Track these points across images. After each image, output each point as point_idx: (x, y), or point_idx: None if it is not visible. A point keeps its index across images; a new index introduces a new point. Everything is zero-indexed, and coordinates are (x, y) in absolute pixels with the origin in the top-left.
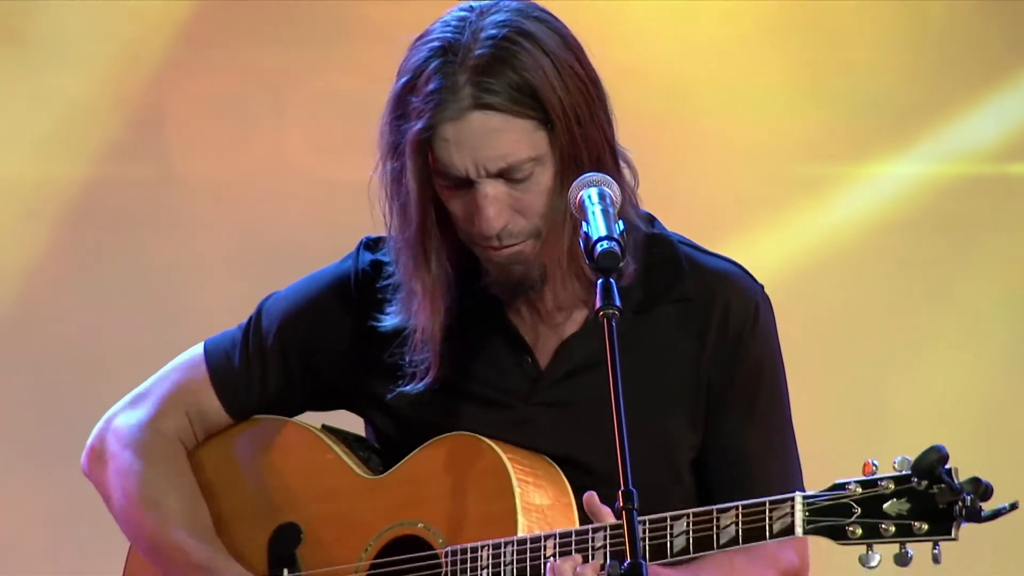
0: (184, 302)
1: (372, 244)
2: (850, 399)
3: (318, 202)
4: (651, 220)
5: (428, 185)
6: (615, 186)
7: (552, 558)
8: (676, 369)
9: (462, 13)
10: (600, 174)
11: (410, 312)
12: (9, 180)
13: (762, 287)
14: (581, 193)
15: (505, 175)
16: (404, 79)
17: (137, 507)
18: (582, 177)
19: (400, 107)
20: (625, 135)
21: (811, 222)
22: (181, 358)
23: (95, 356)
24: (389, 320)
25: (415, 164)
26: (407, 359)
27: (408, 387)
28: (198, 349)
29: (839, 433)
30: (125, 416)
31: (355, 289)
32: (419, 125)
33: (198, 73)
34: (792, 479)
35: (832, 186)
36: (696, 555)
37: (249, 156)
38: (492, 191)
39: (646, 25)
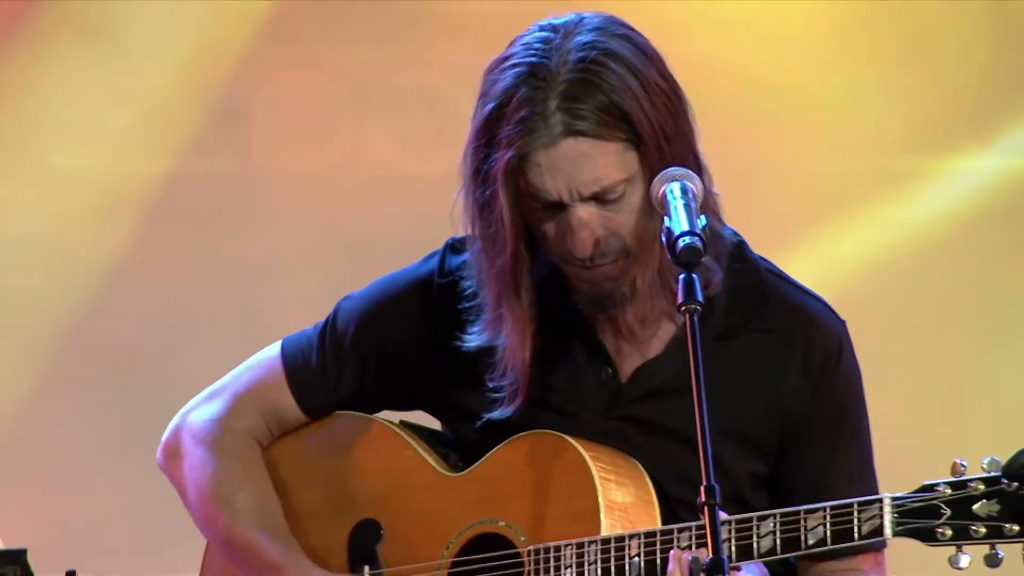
0: (264, 297)
1: (458, 246)
2: (937, 394)
3: (399, 197)
4: (740, 244)
5: (520, 211)
6: (697, 180)
7: (637, 557)
8: (752, 400)
9: (545, 34)
10: (683, 169)
11: (498, 334)
12: (91, 175)
13: (844, 323)
14: (663, 188)
15: (598, 198)
16: (491, 105)
17: (210, 504)
18: (664, 172)
19: (487, 134)
20: (710, 131)
21: (896, 217)
22: (258, 356)
23: (175, 350)
24: (473, 340)
25: (507, 191)
26: (493, 383)
27: (496, 413)
28: (275, 348)
29: (926, 431)
30: (200, 412)
31: (437, 291)
32: (510, 154)
33: (279, 68)
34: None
35: (917, 181)
36: (784, 556)
37: (330, 151)
38: (585, 214)
39: (731, 20)
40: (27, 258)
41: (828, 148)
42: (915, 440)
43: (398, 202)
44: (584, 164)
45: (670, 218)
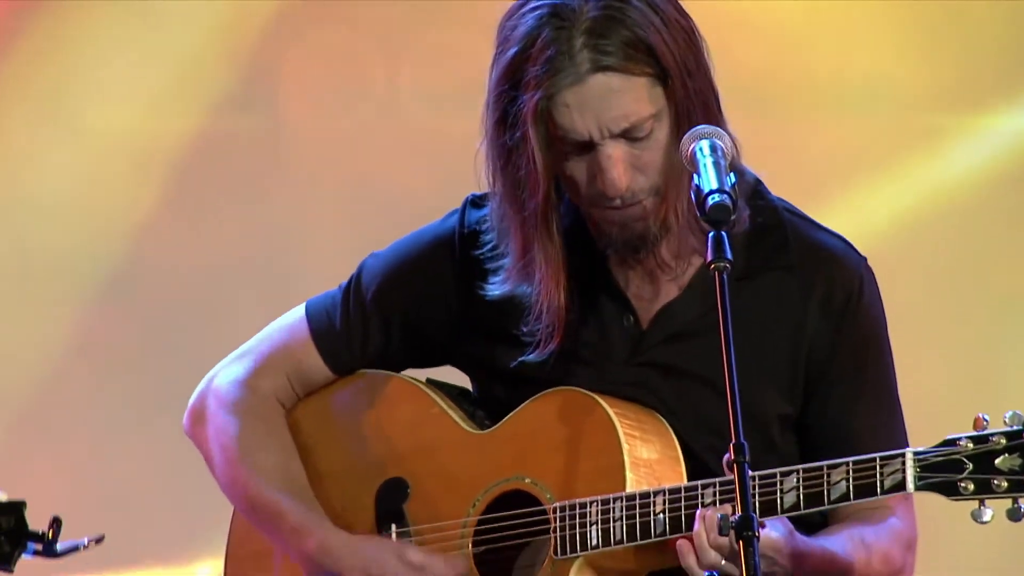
0: (294, 256)
1: (478, 201)
2: (963, 351)
3: (429, 155)
4: (758, 185)
5: (550, 153)
6: (727, 138)
7: (662, 513)
8: (774, 340)
9: None
10: (711, 127)
11: (525, 281)
12: (122, 134)
13: (865, 260)
14: (692, 146)
15: (627, 135)
16: (514, 49)
17: (235, 466)
18: (693, 130)
19: (512, 78)
20: (740, 87)
21: (925, 175)
22: (283, 319)
23: (205, 309)
24: (496, 289)
25: (537, 133)
26: (525, 327)
27: (532, 355)
28: (299, 310)
29: (951, 389)
30: (225, 375)
31: (459, 246)
32: (539, 95)
33: (310, 26)
34: (899, 445)
35: (946, 138)
36: (807, 511)
37: (361, 109)
38: (615, 152)
39: None
40: (58, 217)
41: (855, 105)
42: (940, 397)
43: (428, 160)
44: (613, 100)
45: (699, 176)
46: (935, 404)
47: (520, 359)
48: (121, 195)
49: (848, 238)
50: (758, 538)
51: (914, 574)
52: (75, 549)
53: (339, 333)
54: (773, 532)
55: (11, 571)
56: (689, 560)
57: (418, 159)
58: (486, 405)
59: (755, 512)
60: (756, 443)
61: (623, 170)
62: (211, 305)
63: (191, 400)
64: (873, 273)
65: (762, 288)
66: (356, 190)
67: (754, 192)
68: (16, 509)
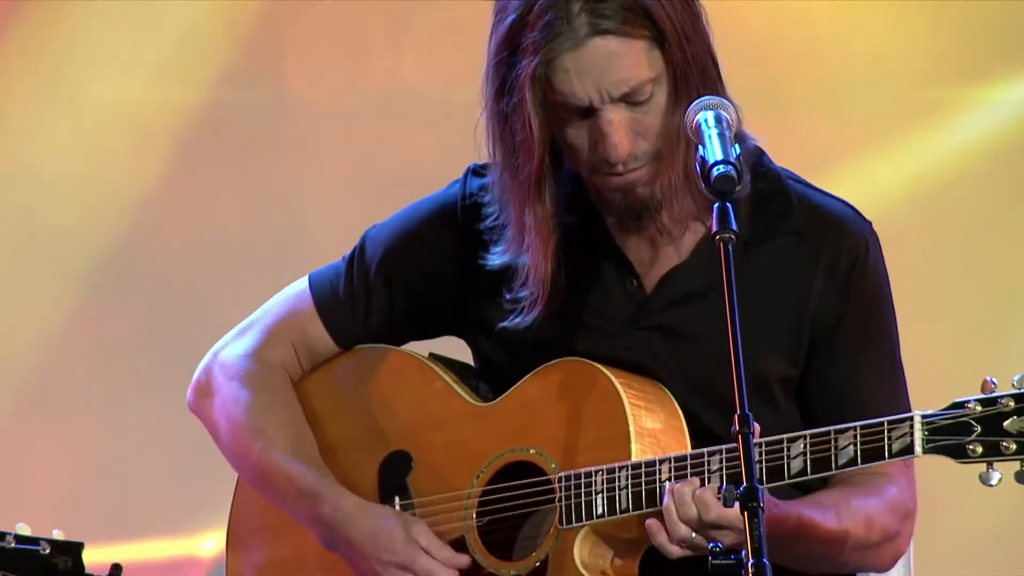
0: (298, 229)
1: (479, 171)
2: (969, 325)
3: (434, 127)
4: (759, 154)
5: (548, 119)
6: (731, 109)
7: (668, 482)
8: (779, 304)
9: None
10: (716, 97)
11: (521, 247)
12: (124, 107)
13: (871, 224)
14: (697, 117)
15: (627, 99)
16: (512, 17)
17: (242, 435)
18: (698, 101)
19: (510, 45)
20: (742, 60)
21: (929, 146)
22: (286, 291)
23: (209, 283)
24: (496, 259)
25: (534, 97)
26: (514, 294)
27: (517, 320)
28: (303, 283)
29: (958, 360)
30: (230, 348)
31: (462, 214)
32: (536, 60)
33: None
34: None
35: (950, 110)
36: (814, 477)
37: (364, 81)
38: (616, 116)
39: None
40: (60, 191)
41: (858, 78)
42: (946, 366)
43: (433, 132)
44: (612, 64)
45: (704, 147)
46: (941, 372)
47: (502, 324)
48: (123, 169)
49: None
50: (763, 509)
51: (911, 543)
52: None
53: (343, 303)
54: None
55: None
56: (660, 538)
57: (422, 132)
58: (489, 377)
59: (760, 479)
60: (760, 405)
61: (624, 135)
62: (215, 279)
63: (196, 374)
64: (878, 237)
65: (767, 254)
66: (360, 163)
67: (757, 160)
68: (74, 550)
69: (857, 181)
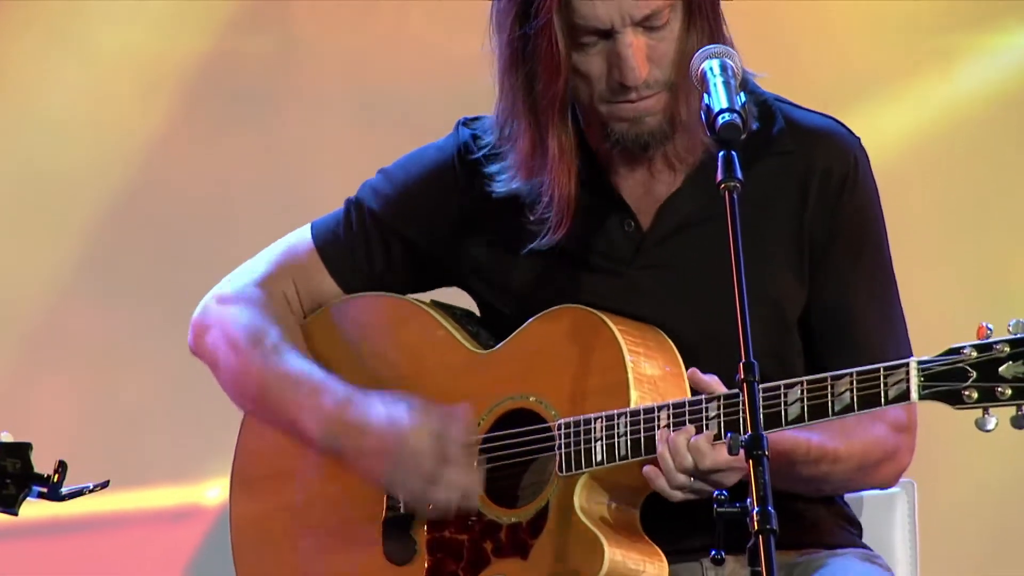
0: (304, 175)
1: (469, 122)
2: (971, 271)
3: (440, 73)
4: (745, 78)
5: (570, 41)
6: (736, 57)
7: (666, 429)
8: (778, 224)
9: None
10: (721, 46)
11: (540, 175)
12: (130, 54)
13: (859, 140)
14: (703, 65)
15: (645, 23)
16: None
17: (242, 352)
18: (703, 49)
19: None
20: (750, 11)
21: (937, 93)
22: (287, 237)
23: (214, 229)
24: (502, 186)
25: (560, 19)
26: (533, 216)
27: (541, 242)
28: (305, 229)
29: (961, 305)
30: (228, 283)
31: (458, 165)
32: None
33: None
34: (898, 332)
35: (957, 57)
36: (812, 422)
37: (370, 29)
38: (635, 40)
39: None
40: (67, 139)
41: (865, 24)
42: (952, 312)
43: (438, 81)
44: None
45: (709, 95)
46: (944, 318)
47: (529, 247)
48: (130, 115)
49: None
50: (768, 457)
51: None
52: (80, 493)
53: (344, 248)
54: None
55: (15, 514)
56: (659, 483)
57: (429, 78)
58: (490, 325)
59: (762, 431)
60: (780, 330)
61: (641, 59)
62: (220, 225)
63: (194, 316)
64: (867, 155)
65: (761, 175)
66: (366, 109)
67: (744, 84)
68: (22, 451)
69: (863, 128)
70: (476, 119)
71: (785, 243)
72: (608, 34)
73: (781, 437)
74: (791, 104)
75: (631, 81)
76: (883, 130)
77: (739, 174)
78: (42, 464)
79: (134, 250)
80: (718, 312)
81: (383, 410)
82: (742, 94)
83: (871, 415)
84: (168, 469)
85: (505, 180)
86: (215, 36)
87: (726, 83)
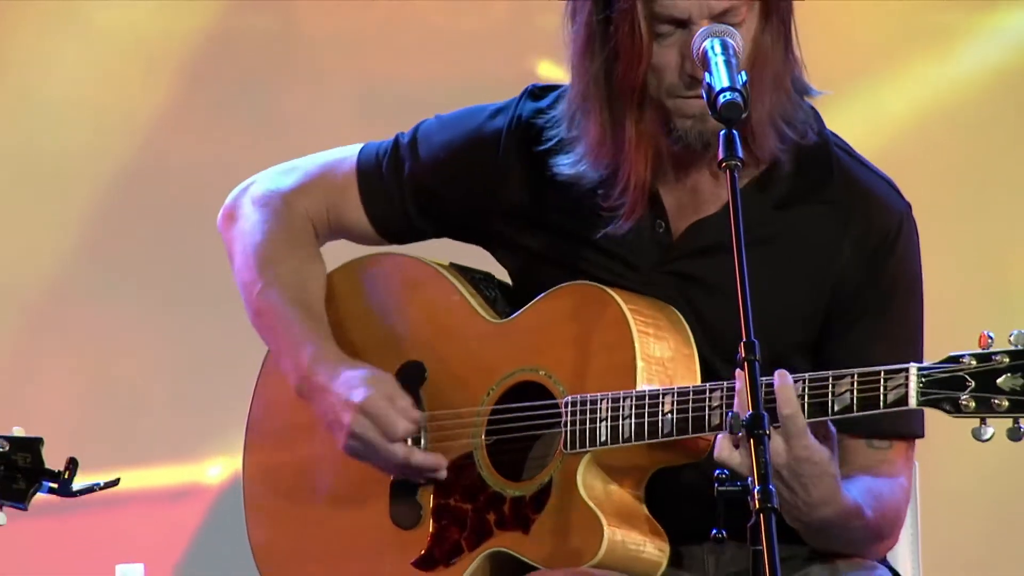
0: (306, 153)
1: (538, 92)
2: (972, 253)
3: (443, 53)
4: (814, 114)
5: (651, 26)
6: (737, 36)
7: (670, 414)
8: (804, 270)
9: None
10: (723, 25)
11: (609, 162)
12: (132, 32)
13: (910, 207)
14: (704, 43)
15: (723, 18)
16: None
17: (252, 268)
18: (705, 28)
19: None
20: None
21: (935, 72)
22: (336, 150)
23: (216, 207)
24: (567, 168)
25: (643, 6)
26: (605, 203)
27: (612, 227)
28: (353, 150)
29: (962, 288)
30: (266, 182)
31: (506, 138)
32: None
33: None
34: None
35: (956, 35)
36: (810, 421)
37: (373, 8)
38: None
39: None
40: (68, 116)
41: (866, 4)
42: (953, 294)
43: (441, 61)
44: None
45: (711, 74)
46: (944, 301)
47: (603, 231)
48: (131, 94)
49: (857, 137)
50: (768, 436)
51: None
52: (90, 490)
53: (381, 184)
54: (825, 449)
55: (25, 508)
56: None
57: (431, 57)
58: (510, 291)
59: (765, 411)
60: (772, 367)
61: None
62: (219, 210)
63: (228, 199)
64: (915, 222)
65: (800, 218)
66: (368, 89)
67: (812, 120)
68: (33, 446)
69: (863, 108)
70: (548, 88)
71: (804, 289)
72: (685, 25)
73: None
74: (850, 153)
75: (700, 75)
76: (884, 109)
77: (740, 153)
78: (47, 449)
79: (135, 231)
80: (733, 334)
81: (342, 382)
82: (743, 73)
83: (897, 487)
84: (170, 448)
85: (570, 163)
86: (216, 16)
87: (727, 62)
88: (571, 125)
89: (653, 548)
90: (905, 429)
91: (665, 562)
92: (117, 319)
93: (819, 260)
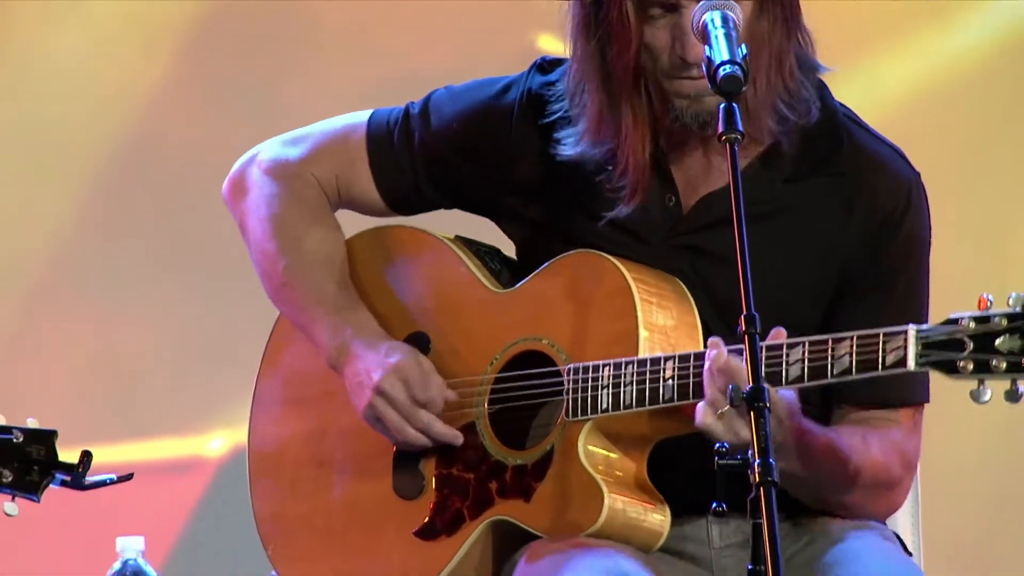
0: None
1: (546, 66)
2: (972, 227)
3: (446, 31)
4: (821, 87)
5: (639, 12)
6: (737, 9)
7: (671, 380)
8: (813, 243)
9: None
10: None
11: (607, 141)
12: (133, 5)
13: (918, 176)
14: (704, 16)
15: None
16: None
17: (273, 242)
18: (705, 2)
19: None
20: None
21: (935, 45)
22: (344, 118)
23: (216, 182)
24: (567, 148)
25: None
26: (609, 184)
27: (614, 213)
28: (362, 117)
29: (963, 261)
30: (273, 151)
31: (517, 113)
32: None
33: None
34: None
35: (957, 9)
36: (810, 384)
37: None
38: None
39: None
40: (68, 90)
41: None
42: (946, 273)
43: (444, 34)
44: None
45: (711, 47)
46: (940, 277)
47: (607, 216)
48: (131, 68)
49: (858, 110)
50: (769, 409)
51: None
52: (103, 484)
53: (391, 152)
54: (786, 394)
55: (38, 500)
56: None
57: (434, 31)
58: (517, 264)
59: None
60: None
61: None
62: (222, 177)
63: (233, 169)
64: (924, 190)
65: (809, 192)
66: (370, 67)
67: (818, 95)
68: (47, 438)
69: (863, 82)
70: (556, 62)
71: (813, 262)
72: (675, 7)
73: (810, 424)
74: (859, 123)
75: (691, 57)
76: (884, 84)
77: (740, 126)
78: (48, 424)
79: (135, 203)
80: (738, 300)
81: (382, 349)
82: (743, 46)
83: (889, 442)
84: (171, 421)
85: (571, 143)
86: None
87: (727, 35)
88: (572, 103)
89: (655, 518)
90: (909, 396)
91: (667, 532)
92: (119, 293)
93: (828, 233)
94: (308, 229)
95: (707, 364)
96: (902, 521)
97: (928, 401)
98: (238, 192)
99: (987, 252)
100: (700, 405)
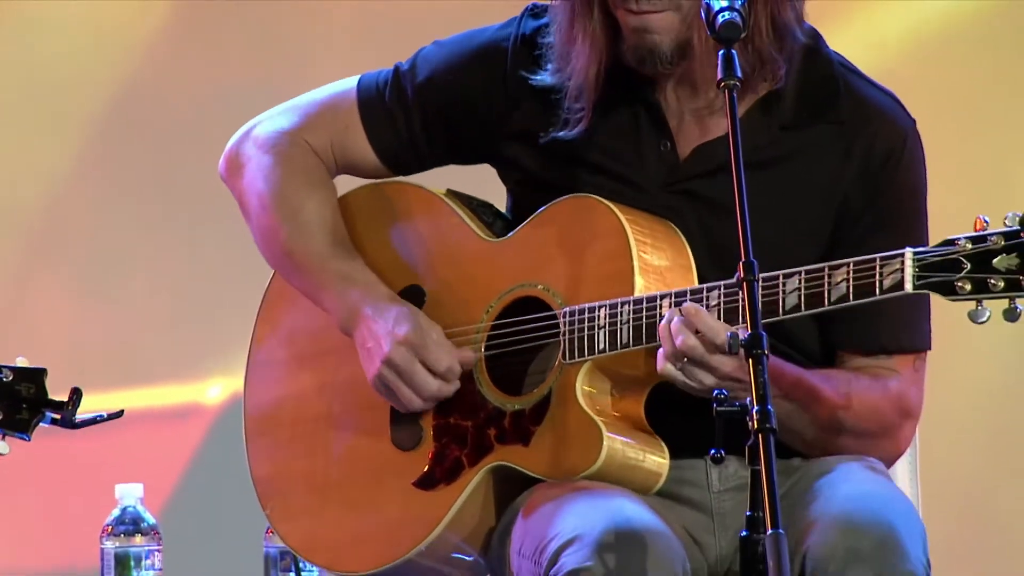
0: (304, 75)
1: (537, 12)
2: (972, 173)
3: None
4: (816, 37)
5: None
6: None
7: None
8: (811, 191)
9: None
10: None
11: (569, 62)
12: None
13: (914, 123)
14: None
15: None
16: None
17: (272, 214)
18: None
19: None
20: None
21: None
22: (333, 86)
23: (214, 126)
24: (544, 78)
25: None
26: (563, 108)
27: (562, 133)
28: (351, 83)
29: (956, 209)
30: (267, 124)
31: (511, 56)
32: None
33: None
34: (918, 305)
35: None
36: (808, 312)
37: None
38: None
39: None
40: (63, 35)
41: None
42: (950, 221)
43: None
44: None
45: None
46: (940, 215)
47: (552, 135)
48: (128, 12)
49: (858, 57)
50: (768, 356)
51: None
52: (93, 421)
53: (383, 112)
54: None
55: (28, 439)
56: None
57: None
58: (512, 215)
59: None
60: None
61: None
62: (220, 122)
63: (228, 145)
64: (920, 138)
65: (806, 139)
66: (369, 9)
67: (812, 44)
68: (37, 376)
69: (858, 31)
70: (546, 9)
71: (811, 207)
72: None
73: (784, 368)
74: (855, 72)
75: None
76: (878, 31)
77: (739, 72)
78: (44, 362)
79: (133, 151)
80: (737, 247)
81: (392, 315)
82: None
83: (882, 387)
84: (168, 368)
85: (548, 73)
86: None
87: None
88: (549, 30)
89: (653, 459)
90: (908, 342)
91: (665, 473)
92: (116, 238)
93: (826, 180)
94: (306, 196)
95: (675, 319)
96: (900, 469)
97: (929, 348)
98: (234, 168)
99: (984, 198)
100: (660, 351)
